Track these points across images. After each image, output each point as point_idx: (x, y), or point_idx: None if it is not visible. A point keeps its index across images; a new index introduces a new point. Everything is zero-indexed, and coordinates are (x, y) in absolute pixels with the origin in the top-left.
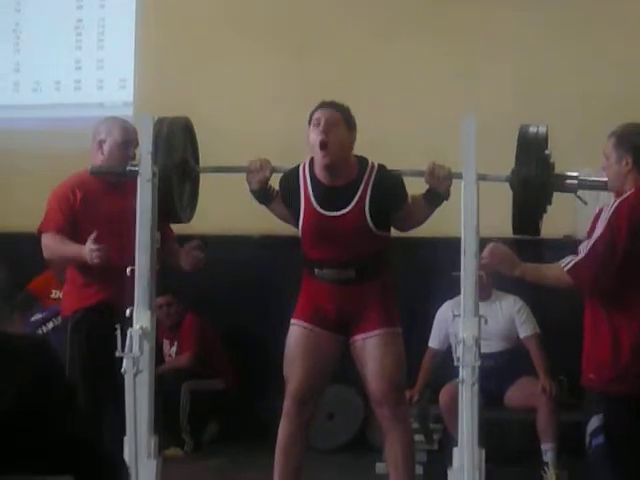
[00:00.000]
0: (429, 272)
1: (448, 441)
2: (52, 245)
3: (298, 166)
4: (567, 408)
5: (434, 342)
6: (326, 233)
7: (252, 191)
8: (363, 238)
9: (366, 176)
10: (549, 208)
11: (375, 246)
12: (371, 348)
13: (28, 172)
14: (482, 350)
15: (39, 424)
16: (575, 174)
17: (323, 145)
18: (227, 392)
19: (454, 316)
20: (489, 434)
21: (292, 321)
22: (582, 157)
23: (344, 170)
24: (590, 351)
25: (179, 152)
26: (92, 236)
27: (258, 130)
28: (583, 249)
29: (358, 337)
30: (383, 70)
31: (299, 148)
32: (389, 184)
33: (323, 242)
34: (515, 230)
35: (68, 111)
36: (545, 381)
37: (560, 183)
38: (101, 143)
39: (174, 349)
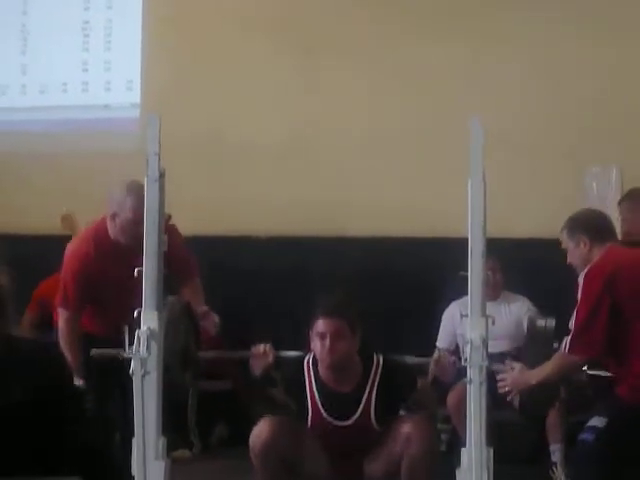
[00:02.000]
0: (435, 272)
1: (456, 442)
2: (64, 333)
3: (302, 363)
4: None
5: (442, 342)
6: (331, 437)
7: (255, 377)
8: (369, 440)
9: (371, 378)
10: (552, 209)
11: (373, 438)
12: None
13: (35, 173)
14: (491, 351)
15: (47, 426)
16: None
17: (331, 365)
18: (235, 392)
19: (462, 316)
20: (498, 434)
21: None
22: (592, 157)
23: (349, 372)
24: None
25: (179, 341)
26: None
27: (265, 131)
28: (571, 326)
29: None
30: (391, 72)
31: (304, 149)
32: (396, 384)
33: (327, 443)
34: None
35: (75, 113)
36: None
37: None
38: (114, 216)
39: None
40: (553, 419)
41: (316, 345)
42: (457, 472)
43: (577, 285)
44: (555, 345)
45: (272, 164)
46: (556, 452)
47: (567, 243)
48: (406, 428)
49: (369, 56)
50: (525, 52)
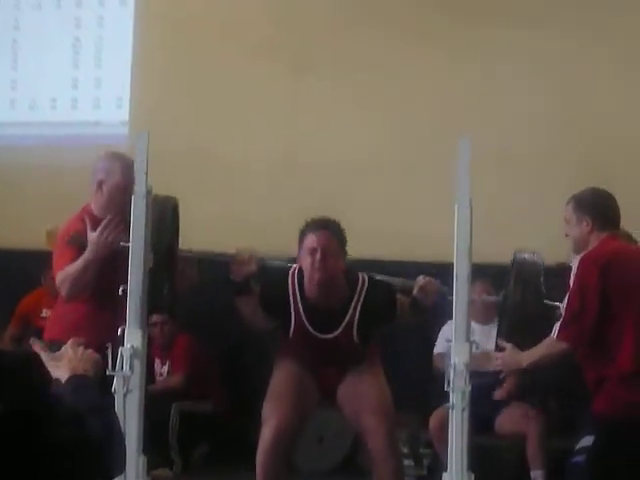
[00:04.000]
0: None
1: (437, 467)
2: (65, 272)
3: (286, 277)
4: (556, 435)
5: (440, 348)
6: (313, 348)
7: (235, 283)
8: (349, 353)
9: (356, 296)
10: (552, 235)
11: (360, 355)
12: (355, 382)
13: (23, 188)
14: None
15: (28, 440)
16: (559, 304)
17: (320, 281)
18: (217, 414)
19: (447, 341)
20: (479, 460)
21: (277, 357)
22: (590, 176)
23: (334, 289)
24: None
25: (168, 236)
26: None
27: (255, 149)
28: (562, 310)
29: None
30: (388, 86)
31: (295, 167)
32: (379, 303)
33: (308, 352)
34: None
35: (64, 129)
36: (537, 407)
37: (548, 312)
38: (100, 183)
39: (165, 368)
40: (533, 445)
41: (306, 261)
42: None
43: (569, 272)
44: (541, 280)
45: (262, 183)
46: (537, 478)
47: (570, 216)
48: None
49: (362, 76)
50: (533, 68)
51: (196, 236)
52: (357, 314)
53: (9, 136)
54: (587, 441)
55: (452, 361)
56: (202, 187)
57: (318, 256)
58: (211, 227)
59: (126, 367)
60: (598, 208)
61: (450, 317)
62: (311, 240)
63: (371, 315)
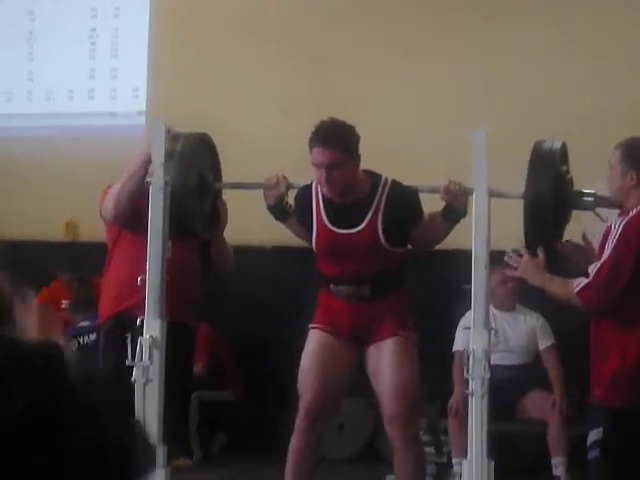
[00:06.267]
0: (442, 285)
1: (445, 474)
2: (114, 191)
3: (311, 183)
4: (577, 422)
5: (459, 345)
6: (339, 250)
7: (269, 207)
8: (377, 255)
9: (379, 192)
10: None
11: (390, 263)
12: (385, 358)
13: (40, 180)
14: (500, 362)
15: (50, 437)
16: (591, 191)
17: (328, 191)
18: (236, 403)
19: (464, 328)
20: (500, 447)
21: (311, 326)
22: (598, 173)
23: (354, 189)
24: (597, 367)
25: (194, 169)
26: None
27: (274, 138)
28: (591, 271)
29: (371, 346)
30: (399, 82)
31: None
32: (403, 201)
33: (336, 259)
34: (528, 247)
35: (81, 120)
36: (558, 394)
37: (576, 200)
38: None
39: None
40: (555, 432)
41: (316, 174)
42: None
43: (608, 231)
44: (564, 168)
45: (278, 173)
46: (558, 466)
47: (615, 163)
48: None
49: (380, 65)
50: (535, 66)
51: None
52: (380, 211)
53: (26, 127)
54: (594, 435)
55: (471, 348)
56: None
57: (323, 172)
58: (231, 218)
59: (145, 357)
60: None
61: (468, 307)
62: (316, 155)
63: (395, 213)
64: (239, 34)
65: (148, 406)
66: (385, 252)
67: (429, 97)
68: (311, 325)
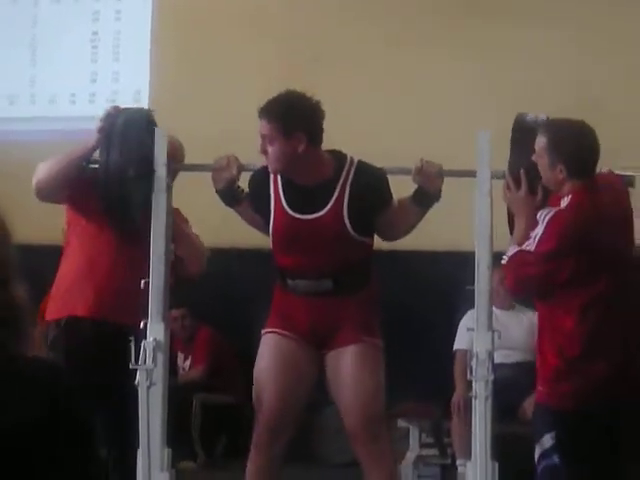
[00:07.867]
0: (443, 286)
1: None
2: (46, 165)
3: (266, 168)
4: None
5: (460, 344)
6: (299, 239)
7: (218, 191)
8: (341, 244)
9: (344, 173)
10: None
11: (355, 254)
12: (345, 367)
13: None
14: (502, 360)
15: (52, 454)
16: None
17: (268, 167)
18: (239, 406)
19: (467, 329)
20: (504, 448)
21: (265, 331)
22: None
23: (313, 169)
24: (540, 363)
25: (136, 148)
26: None
27: None
28: (512, 247)
29: (332, 352)
30: (398, 81)
31: None
32: (370, 182)
33: (296, 249)
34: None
35: (83, 124)
36: None
37: None
38: None
39: (188, 362)
40: None
41: None
42: None
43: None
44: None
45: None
46: None
47: (541, 153)
48: None
49: (379, 64)
50: (534, 64)
51: (215, 229)
52: (346, 194)
53: (28, 131)
54: (550, 440)
55: (474, 350)
56: None
57: (261, 142)
58: (230, 220)
59: (149, 360)
60: (576, 154)
61: (470, 307)
62: (260, 126)
63: (362, 195)
64: (242, 37)
65: (152, 409)
66: (350, 241)
67: (429, 97)
68: (265, 330)
